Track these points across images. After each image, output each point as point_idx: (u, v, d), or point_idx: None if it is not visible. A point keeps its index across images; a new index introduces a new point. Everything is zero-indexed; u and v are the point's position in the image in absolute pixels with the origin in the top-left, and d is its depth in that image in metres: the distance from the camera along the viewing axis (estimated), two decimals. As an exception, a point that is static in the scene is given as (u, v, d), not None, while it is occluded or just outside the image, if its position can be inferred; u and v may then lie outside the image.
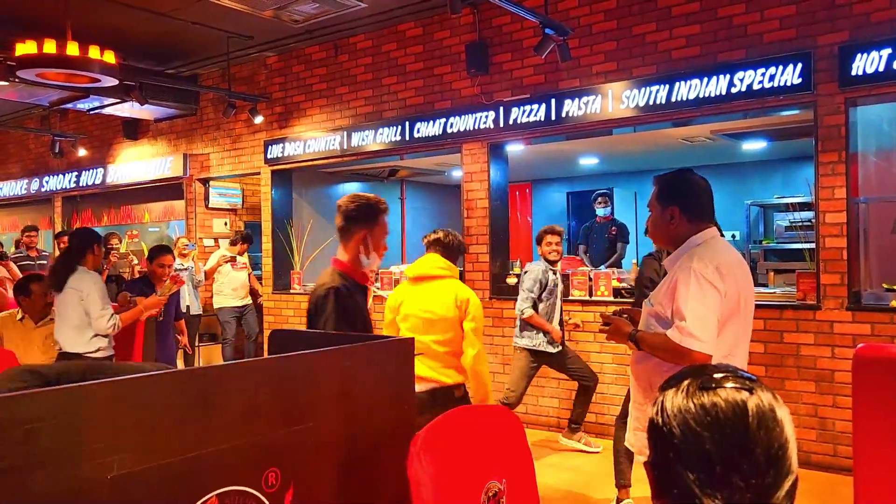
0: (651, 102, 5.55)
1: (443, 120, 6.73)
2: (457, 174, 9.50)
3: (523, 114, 6.22)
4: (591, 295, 5.90)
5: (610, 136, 6.81)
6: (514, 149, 7.03)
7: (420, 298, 3.57)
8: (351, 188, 9.99)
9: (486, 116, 6.46)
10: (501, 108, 6.36)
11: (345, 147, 7.50)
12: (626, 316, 2.65)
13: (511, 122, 6.31)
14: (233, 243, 8.57)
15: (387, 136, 7.15)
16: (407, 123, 6.98)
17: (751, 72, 5.12)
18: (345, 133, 7.50)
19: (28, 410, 1.29)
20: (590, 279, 5.95)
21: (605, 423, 5.74)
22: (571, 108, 5.95)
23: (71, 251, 4.63)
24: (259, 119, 8.06)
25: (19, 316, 4.88)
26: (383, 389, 1.99)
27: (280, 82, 8.23)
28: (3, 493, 1.25)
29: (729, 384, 0.98)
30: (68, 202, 11.43)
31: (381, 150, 7.29)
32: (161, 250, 5.48)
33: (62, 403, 1.34)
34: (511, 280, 6.49)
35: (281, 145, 8.11)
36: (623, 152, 8.54)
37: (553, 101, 6.05)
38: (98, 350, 4.48)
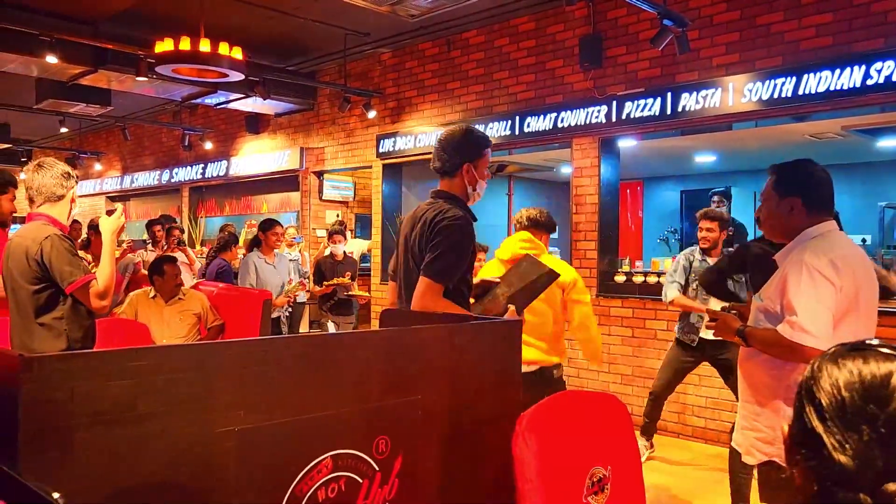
0: (775, 96, 5.27)
1: (553, 114, 6.68)
2: (565, 170, 9.40)
3: (637, 108, 6.08)
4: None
5: (729, 132, 6.54)
6: (626, 145, 6.88)
7: None
8: (459, 183, 10.09)
9: (598, 111, 6.35)
10: (614, 103, 6.24)
11: (454, 141, 7.57)
12: (734, 312, 2.55)
13: (624, 116, 6.17)
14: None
15: (496, 130, 7.17)
16: (517, 118, 6.98)
17: (890, 62, 4.76)
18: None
19: (170, 361, 1.40)
20: (702, 279, 5.72)
21: (718, 429, 5.52)
22: (688, 101, 5.75)
23: None
24: (372, 114, 8.29)
25: (152, 294, 5.26)
26: (490, 368, 2.01)
27: (393, 78, 8.43)
28: (146, 435, 1.37)
29: (884, 349, 0.94)
30: (195, 192, 12.19)
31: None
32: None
33: (198, 357, 1.45)
34: (619, 278, 6.35)
35: (392, 139, 8.30)
36: (742, 149, 8.17)
37: (669, 94, 5.86)
38: None
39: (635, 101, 6.08)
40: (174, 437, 1.40)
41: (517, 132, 6.98)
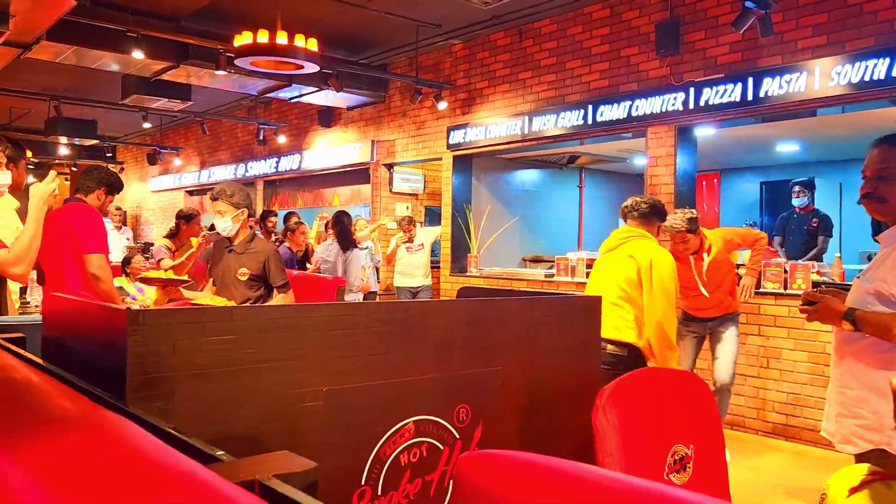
0: (866, 78, 5.02)
1: (628, 103, 6.56)
2: (639, 162, 9.23)
3: (716, 94, 5.90)
4: (785, 288, 5.47)
5: (813, 119, 6.27)
6: (704, 133, 6.69)
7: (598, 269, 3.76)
8: (529, 175, 10.05)
9: (675, 98, 6.20)
10: (692, 89, 6.07)
11: (525, 132, 7.54)
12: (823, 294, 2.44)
13: (702, 103, 6.00)
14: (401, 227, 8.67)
15: (568, 120, 7.09)
16: (590, 107, 6.88)
17: None
18: (526, 118, 7.54)
19: (264, 320, 1.45)
20: (785, 271, 5.52)
21: (800, 425, 5.32)
22: (771, 87, 5.54)
23: None
24: (443, 105, 8.32)
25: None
26: (569, 341, 2.00)
27: (464, 69, 8.44)
28: (240, 390, 1.42)
29: None
30: (269, 186, 12.52)
31: (562, 135, 7.24)
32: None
33: (290, 318, 1.49)
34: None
35: (463, 131, 8.32)
36: (827, 137, 7.83)
37: (750, 79, 5.67)
38: None
39: (714, 87, 5.91)
40: (266, 393, 1.44)
41: (590, 121, 6.88)
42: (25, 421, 0.68)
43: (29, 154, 13.87)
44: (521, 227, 9.41)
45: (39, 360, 1.33)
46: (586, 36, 7.07)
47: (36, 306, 3.58)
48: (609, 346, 3.43)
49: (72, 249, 3.63)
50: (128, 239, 10.29)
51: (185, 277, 3.33)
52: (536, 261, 8.97)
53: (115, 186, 3.99)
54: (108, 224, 8.17)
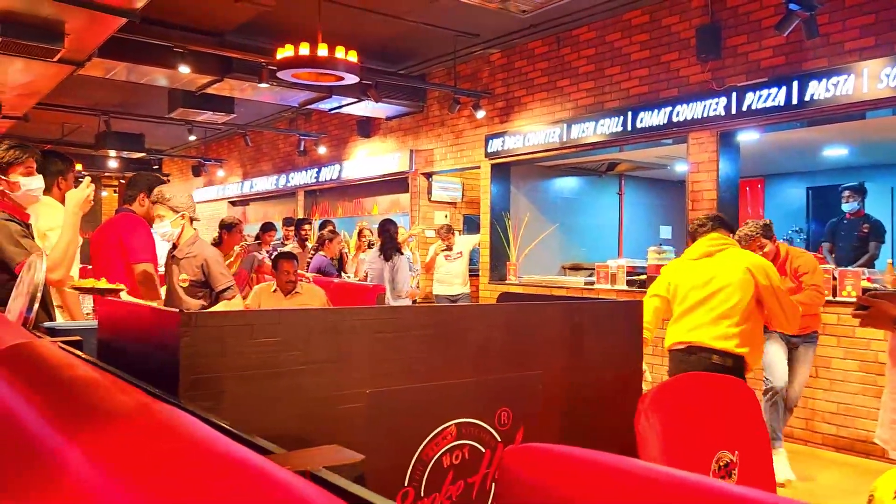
0: (916, 80, 4.90)
1: (668, 108, 6.49)
2: (679, 168, 9.12)
3: (759, 99, 5.81)
4: (834, 295, 5.34)
5: (862, 122, 6.13)
6: (747, 138, 6.58)
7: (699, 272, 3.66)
8: (568, 182, 10.00)
9: (717, 103, 6.12)
10: (734, 94, 5.99)
11: (564, 139, 7.52)
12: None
13: (745, 108, 5.91)
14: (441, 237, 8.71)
15: (607, 127, 7.05)
16: (629, 114, 6.83)
17: None
18: (564, 125, 7.51)
19: (309, 323, 1.48)
20: (833, 278, 5.39)
21: (851, 437, 5.17)
22: (817, 90, 5.43)
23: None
24: (481, 114, 8.35)
25: (273, 288, 5.55)
26: (611, 346, 1.99)
27: (502, 78, 8.46)
28: (285, 391, 1.45)
29: None
30: (309, 196, 12.70)
31: (601, 142, 7.20)
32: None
33: (334, 321, 1.52)
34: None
35: (501, 139, 8.33)
36: (878, 141, 7.63)
37: (795, 83, 5.57)
38: None
39: (757, 92, 5.82)
40: (310, 394, 1.47)
41: (629, 128, 6.83)
42: (88, 411, 0.72)
43: (79, 167, 14.32)
44: (560, 234, 9.37)
45: (96, 361, 1.38)
46: (625, 42, 7.03)
47: (87, 314, 3.70)
48: (714, 357, 3.42)
49: (121, 259, 3.76)
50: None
51: (121, 286, 3.27)
52: (576, 268, 8.92)
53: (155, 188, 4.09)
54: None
